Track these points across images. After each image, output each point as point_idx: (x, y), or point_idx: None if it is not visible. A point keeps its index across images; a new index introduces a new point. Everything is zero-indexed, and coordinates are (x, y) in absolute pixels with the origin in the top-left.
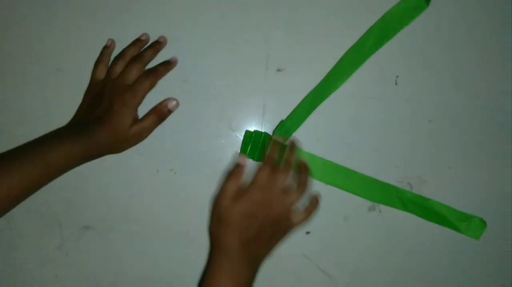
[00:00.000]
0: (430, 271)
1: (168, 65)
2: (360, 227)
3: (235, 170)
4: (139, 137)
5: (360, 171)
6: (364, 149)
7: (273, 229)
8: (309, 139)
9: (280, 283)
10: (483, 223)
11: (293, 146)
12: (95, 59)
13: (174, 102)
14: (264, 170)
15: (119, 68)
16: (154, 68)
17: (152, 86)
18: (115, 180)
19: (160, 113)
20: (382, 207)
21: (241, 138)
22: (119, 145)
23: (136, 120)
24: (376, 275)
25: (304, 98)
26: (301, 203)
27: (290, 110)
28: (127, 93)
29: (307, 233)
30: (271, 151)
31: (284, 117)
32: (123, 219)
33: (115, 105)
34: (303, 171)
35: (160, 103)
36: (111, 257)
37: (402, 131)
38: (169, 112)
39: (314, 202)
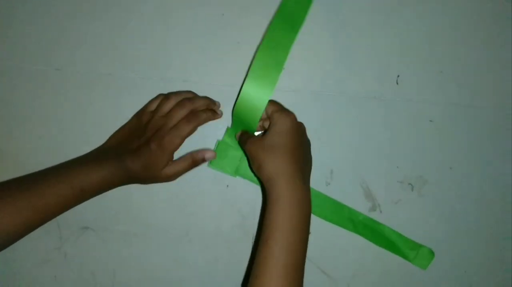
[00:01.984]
0: (430, 271)
1: (212, 115)
2: None
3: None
4: (169, 179)
5: (360, 171)
6: (365, 149)
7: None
8: (310, 138)
9: None
10: (431, 253)
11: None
12: (95, 59)
13: (211, 154)
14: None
15: (167, 107)
16: (197, 114)
17: (191, 132)
18: None
19: (195, 160)
20: (383, 207)
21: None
22: (149, 180)
23: (170, 162)
24: (376, 276)
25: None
26: None
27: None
28: (166, 137)
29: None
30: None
31: None
32: (122, 220)
33: (152, 144)
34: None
35: (198, 151)
36: (110, 258)
37: (403, 131)
38: (203, 161)
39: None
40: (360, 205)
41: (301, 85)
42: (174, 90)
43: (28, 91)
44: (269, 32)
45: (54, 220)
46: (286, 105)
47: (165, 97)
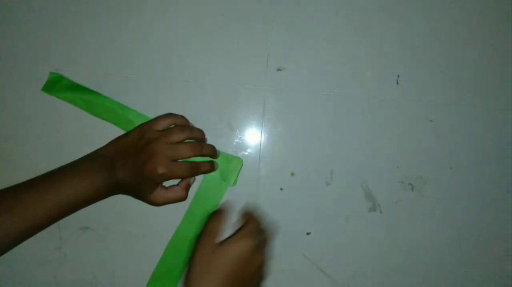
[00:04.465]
0: (431, 271)
1: (211, 169)
2: (360, 227)
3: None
4: (155, 205)
5: (360, 171)
6: (365, 149)
7: (252, 281)
8: (310, 138)
9: (280, 283)
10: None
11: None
12: (94, 59)
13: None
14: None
15: (177, 137)
16: (199, 165)
17: (188, 176)
18: None
19: (187, 187)
20: (383, 207)
21: (241, 137)
22: (136, 197)
23: (160, 188)
24: (376, 276)
25: None
26: None
27: (290, 110)
28: (164, 166)
29: (308, 234)
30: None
31: (284, 117)
32: (122, 220)
33: (146, 170)
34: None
35: (187, 180)
36: (109, 258)
37: (404, 131)
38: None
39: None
40: (360, 205)
41: (301, 85)
42: (174, 90)
43: (28, 91)
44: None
45: None
46: (286, 105)
47: (180, 127)
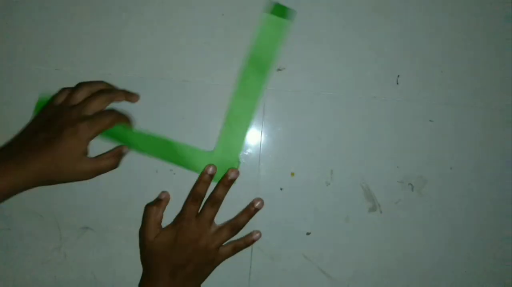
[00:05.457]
0: (431, 271)
1: (128, 96)
2: (360, 227)
3: (159, 203)
4: (86, 175)
5: (361, 171)
6: (365, 149)
7: (200, 259)
8: (310, 138)
9: (280, 283)
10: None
11: (225, 183)
12: (94, 59)
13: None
14: (189, 201)
15: (81, 96)
16: (118, 112)
17: (111, 125)
18: (114, 180)
19: (119, 155)
20: (383, 207)
21: None
22: (61, 177)
23: (86, 156)
24: (376, 276)
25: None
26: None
27: (290, 110)
28: (83, 123)
29: (308, 234)
30: (201, 185)
31: (284, 117)
32: (122, 220)
33: (65, 131)
34: (243, 214)
35: (120, 147)
36: (110, 258)
37: (403, 131)
38: (125, 155)
39: (248, 242)
40: (360, 205)
41: (301, 85)
42: (174, 90)
43: (28, 91)
44: (241, 80)
45: (54, 220)
46: (286, 105)
47: (75, 88)
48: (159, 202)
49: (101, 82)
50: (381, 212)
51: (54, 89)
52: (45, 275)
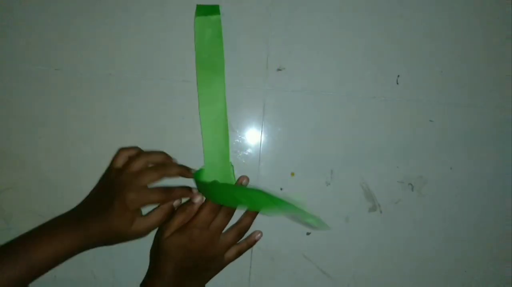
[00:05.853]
0: (431, 271)
1: (185, 172)
2: (360, 228)
3: (188, 208)
4: (140, 235)
5: (361, 171)
6: (365, 149)
7: (206, 266)
8: (310, 138)
9: (280, 283)
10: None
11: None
12: (94, 59)
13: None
14: (206, 209)
15: (137, 165)
16: (173, 189)
17: (162, 201)
18: None
19: (168, 211)
20: (383, 207)
21: (241, 137)
22: (117, 240)
23: (138, 218)
24: (376, 276)
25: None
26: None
27: (290, 110)
28: (130, 194)
29: (308, 234)
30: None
31: (283, 117)
32: None
33: (116, 203)
34: (247, 216)
35: (168, 204)
36: (109, 258)
37: (403, 131)
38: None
39: (250, 243)
40: (360, 205)
41: (301, 85)
42: (174, 90)
43: (28, 91)
44: (201, 88)
45: None
46: (286, 105)
47: (135, 155)
48: (192, 206)
49: (161, 153)
50: (381, 212)
51: (54, 89)
52: (45, 275)
